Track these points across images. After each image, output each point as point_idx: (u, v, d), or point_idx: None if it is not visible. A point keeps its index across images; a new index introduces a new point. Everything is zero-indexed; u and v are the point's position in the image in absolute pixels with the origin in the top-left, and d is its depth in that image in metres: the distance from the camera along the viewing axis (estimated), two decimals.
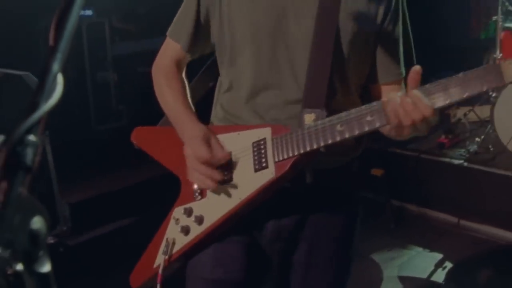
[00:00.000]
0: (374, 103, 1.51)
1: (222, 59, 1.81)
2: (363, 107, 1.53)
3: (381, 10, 1.70)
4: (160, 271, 1.71)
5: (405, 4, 1.77)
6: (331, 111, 1.59)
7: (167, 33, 1.90)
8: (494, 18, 4.58)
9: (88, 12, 5.45)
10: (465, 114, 5.10)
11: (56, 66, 0.76)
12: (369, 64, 1.77)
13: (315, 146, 1.56)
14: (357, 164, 1.83)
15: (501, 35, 4.49)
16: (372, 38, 1.72)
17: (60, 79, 0.76)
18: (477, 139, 4.57)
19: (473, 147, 4.51)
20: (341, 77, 1.70)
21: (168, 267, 1.74)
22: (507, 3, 4.61)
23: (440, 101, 1.43)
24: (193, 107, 1.82)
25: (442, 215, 4.38)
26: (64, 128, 4.36)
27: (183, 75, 1.90)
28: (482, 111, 5.00)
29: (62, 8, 0.82)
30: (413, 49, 1.81)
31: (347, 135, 1.53)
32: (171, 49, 1.88)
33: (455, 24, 6.93)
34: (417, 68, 1.47)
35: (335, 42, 1.65)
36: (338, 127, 1.53)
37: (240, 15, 1.70)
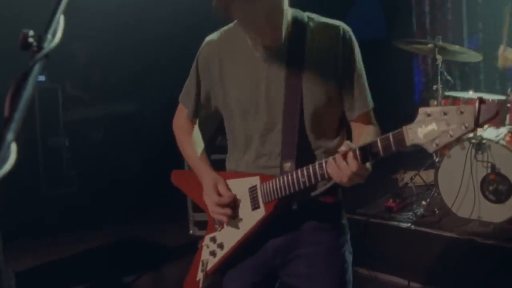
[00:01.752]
0: (325, 160, 1.92)
1: (225, 120, 2.28)
2: (322, 160, 1.93)
3: (339, 66, 2.08)
4: (200, 284, 2.25)
5: (357, 49, 2.13)
6: (305, 159, 2.03)
7: (179, 99, 2.38)
8: (435, 87, 4.82)
9: (41, 78, 5.44)
10: (411, 179, 5.27)
11: (10, 136, 0.80)
12: (338, 111, 2.16)
13: (289, 192, 2.02)
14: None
15: (441, 103, 4.72)
16: (334, 90, 2.10)
17: (13, 148, 0.80)
18: (423, 202, 4.70)
19: (419, 210, 4.64)
20: (311, 130, 2.10)
21: (205, 280, 2.25)
22: (445, 73, 4.88)
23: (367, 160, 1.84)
24: (206, 157, 2.33)
25: (393, 277, 4.43)
26: (13, 193, 4.29)
27: (197, 126, 2.41)
28: (428, 175, 5.18)
29: (19, 80, 0.87)
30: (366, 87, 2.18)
31: (307, 184, 1.98)
32: (184, 112, 2.36)
33: (406, 93, 7.29)
34: (347, 142, 1.87)
35: (301, 102, 2.05)
36: (302, 178, 1.98)
37: (230, 85, 2.17)
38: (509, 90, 4.48)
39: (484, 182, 4.17)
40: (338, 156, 1.86)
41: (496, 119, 4.49)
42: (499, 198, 4.15)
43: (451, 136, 1.66)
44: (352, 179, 1.87)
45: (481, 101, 1.63)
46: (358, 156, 1.82)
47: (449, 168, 4.36)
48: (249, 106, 2.14)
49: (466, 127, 1.63)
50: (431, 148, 1.70)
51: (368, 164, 1.89)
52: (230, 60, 2.19)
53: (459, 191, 4.26)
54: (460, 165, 4.24)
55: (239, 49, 2.17)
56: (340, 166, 1.85)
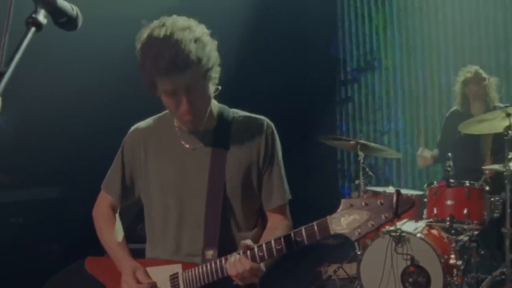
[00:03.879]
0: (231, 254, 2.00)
1: (145, 208, 2.29)
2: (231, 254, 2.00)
3: (260, 159, 2.18)
4: None
5: (278, 143, 2.24)
6: (227, 247, 2.07)
7: (102, 186, 2.38)
8: (357, 181, 5.00)
9: None
10: (335, 271, 5.34)
11: None
12: (258, 201, 2.23)
13: (212, 280, 2.04)
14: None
15: (362, 196, 4.89)
16: (255, 181, 2.19)
17: None
18: None
19: None
20: (233, 219, 2.17)
21: None
22: (367, 169, 5.09)
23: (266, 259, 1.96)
24: (126, 246, 2.28)
25: None
26: None
27: (118, 215, 2.40)
28: (351, 268, 5.26)
29: None
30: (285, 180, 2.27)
31: (220, 276, 2.02)
32: (106, 199, 2.37)
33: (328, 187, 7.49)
34: (247, 242, 1.96)
35: (224, 192, 2.12)
36: (225, 265, 2.00)
37: (153, 174, 2.21)
38: (425, 186, 4.73)
39: (404, 274, 4.27)
40: (234, 255, 1.97)
41: (415, 213, 4.70)
42: None
43: (372, 225, 1.79)
44: (244, 278, 1.96)
45: (399, 193, 1.78)
46: (256, 256, 1.93)
47: (371, 261, 4.45)
48: (172, 194, 2.18)
49: (386, 217, 1.78)
50: (353, 236, 1.81)
51: (262, 265, 1.98)
52: (155, 148, 2.23)
53: (381, 283, 4.33)
54: (381, 258, 4.34)
55: (165, 137, 2.22)
56: (235, 264, 1.95)
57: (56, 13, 1.50)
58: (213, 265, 2.04)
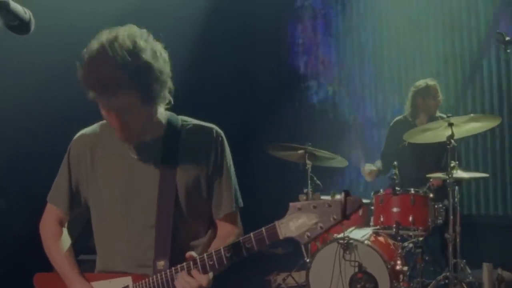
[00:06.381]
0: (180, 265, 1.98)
1: (92, 217, 2.23)
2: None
3: (210, 167, 2.16)
4: None
5: (228, 151, 2.23)
6: (178, 257, 2.00)
7: (47, 199, 2.30)
8: (305, 190, 5.04)
9: None
10: (284, 280, 5.36)
11: None
12: (209, 209, 2.21)
13: None
14: None
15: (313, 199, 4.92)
16: (204, 190, 2.17)
17: None
18: None
19: None
20: (184, 227, 2.13)
21: None
22: (315, 178, 5.14)
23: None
24: (75, 263, 2.22)
25: None
26: None
27: (65, 228, 2.32)
28: (300, 276, 5.29)
29: None
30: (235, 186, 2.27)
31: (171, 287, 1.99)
32: (53, 212, 2.29)
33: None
34: (192, 254, 1.97)
35: (176, 200, 2.09)
36: (176, 276, 1.97)
37: (100, 183, 2.16)
38: (372, 193, 4.83)
39: (352, 281, 4.32)
40: (179, 268, 1.97)
41: (362, 220, 4.78)
42: None
43: (321, 228, 1.79)
44: None
45: (347, 194, 1.77)
46: (207, 265, 1.93)
47: (319, 268, 4.49)
48: (121, 204, 2.14)
49: (334, 219, 1.77)
50: (303, 240, 1.80)
51: (211, 274, 1.97)
52: (102, 157, 2.18)
53: None
54: (329, 265, 4.38)
55: (112, 146, 2.16)
56: (183, 282, 1.95)
57: (8, 16, 1.46)
58: (163, 276, 2.01)
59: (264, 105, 8.10)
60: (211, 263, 1.92)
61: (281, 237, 1.83)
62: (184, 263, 1.97)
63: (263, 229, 1.87)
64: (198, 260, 1.94)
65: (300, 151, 5.08)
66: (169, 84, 2.04)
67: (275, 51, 8.27)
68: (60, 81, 4.42)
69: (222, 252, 1.91)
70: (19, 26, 1.50)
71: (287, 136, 7.93)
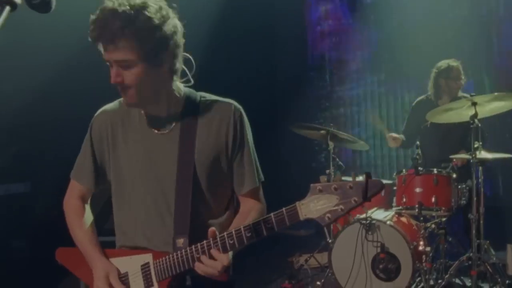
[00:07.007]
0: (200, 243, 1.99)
1: (113, 194, 2.25)
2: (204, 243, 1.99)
3: (229, 142, 2.16)
4: None
5: (247, 126, 2.22)
6: (198, 234, 2.01)
7: (71, 175, 2.33)
8: (327, 171, 5.04)
9: None
10: (306, 260, 5.38)
11: None
12: (229, 185, 2.22)
13: (184, 269, 2.02)
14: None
15: (334, 180, 4.92)
16: (225, 165, 2.17)
17: None
18: (318, 283, 4.79)
19: None
20: (204, 205, 2.14)
21: None
22: (337, 159, 5.13)
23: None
24: (97, 240, 2.25)
25: None
26: None
27: (88, 205, 2.35)
28: (322, 257, 5.31)
29: None
30: (256, 161, 2.26)
31: (192, 266, 1.99)
32: (76, 189, 2.32)
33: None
34: (214, 229, 1.96)
35: (194, 179, 2.09)
36: (197, 254, 1.98)
37: (121, 159, 2.18)
38: (394, 174, 4.80)
39: (375, 261, 4.33)
40: (200, 246, 1.98)
41: (384, 201, 4.76)
42: (389, 276, 4.31)
43: (342, 210, 1.77)
44: (204, 271, 1.97)
45: (368, 176, 1.75)
46: (227, 244, 1.93)
47: (341, 249, 4.50)
48: (141, 180, 2.15)
49: (355, 201, 1.76)
50: (323, 222, 1.79)
51: (230, 254, 1.98)
52: (123, 132, 2.20)
53: (352, 271, 4.38)
54: (352, 246, 4.39)
55: (133, 121, 2.19)
56: (204, 266, 1.96)
57: None
58: (183, 254, 2.02)
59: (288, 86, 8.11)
60: (231, 242, 1.92)
61: (301, 218, 1.82)
62: (205, 242, 1.97)
63: (283, 209, 1.86)
64: (218, 239, 1.94)
65: (323, 132, 5.08)
66: (178, 54, 2.07)
67: (299, 34, 8.27)
68: (82, 59, 4.45)
69: (243, 232, 1.90)
70: (41, 4, 1.51)
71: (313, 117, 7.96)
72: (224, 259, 1.94)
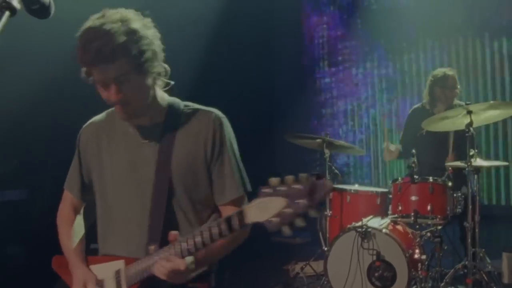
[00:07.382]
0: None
1: (97, 203, 2.29)
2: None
3: (208, 151, 2.14)
4: None
5: (229, 134, 2.20)
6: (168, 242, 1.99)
7: (64, 186, 2.40)
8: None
9: None
10: (302, 268, 5.37)
11: None
12: (207, 195, 2.20)
13: (148, 274, 2.02)
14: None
15: (330, 195, 4.93)
16: (203, 174, 2.17)
17: None
18: None
19: None
20: (181, 212, 2.14)
21: None
22: (333, 167, 5.14)
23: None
24: (81, 250, 2.28)
25: None
26: None
27: (81, 215, 2.41)
28: (318, 265, 5.31)
29: None
30: (240, 170, 2.23)
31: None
32: (69, 198, 2.39)
33: None
34: (173, 233, 1.95)
35: (170, 185, 2.10)
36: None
37: (105, 168, 2.22)
38: (390, 182, 4.81)
39: (370, 269, 4.33)
40: (161, 252, 1.98)
41: (380, 209, 4.77)
42: (384, 284, 4.31)
43: (290, 213, 1.66)
44: (171, 278, 1.96)
45: (318, 177, 1.66)
46: (176, 252, 1.93)
47: (337, 257, 4.50)
48: (122, 187, 2.18)
49: (304, 204, 1.65)
50: (270, 225, 1.68)
51: (190, 260, 1.97)
52: (108, 142, 2.23)
53: (347, 279, 4.38)
54: (347, 254, 4.39)
55: (117, 131, 2.22)
56: (159, 265, 1.96)
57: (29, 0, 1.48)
58: (148, 260, 2.03)
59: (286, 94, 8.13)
60: (187, 247, 1.91)
61: (248, 222, 1.76)
62: (165, 247, 1.98)
63: (234, 213, 1.81)
64: (175, 244, 1.94)
65: (318, 140, 5.09)
66: (161, 56, 2.10)
67: (296, 40, 8.29)
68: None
69: (195, 236, 1.89)
70: (40, 9, 1.52)
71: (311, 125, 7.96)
72: (180, 264, 1.93)
